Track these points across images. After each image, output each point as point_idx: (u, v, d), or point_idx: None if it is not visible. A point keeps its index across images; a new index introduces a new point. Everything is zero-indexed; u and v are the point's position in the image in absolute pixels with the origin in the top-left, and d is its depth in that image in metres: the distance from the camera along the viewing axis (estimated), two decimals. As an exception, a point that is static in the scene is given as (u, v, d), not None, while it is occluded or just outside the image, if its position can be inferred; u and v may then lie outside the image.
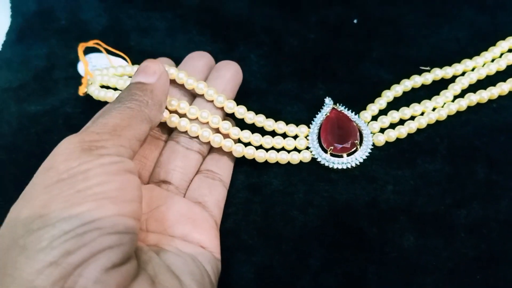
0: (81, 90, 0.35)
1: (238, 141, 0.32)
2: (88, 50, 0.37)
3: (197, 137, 0.31)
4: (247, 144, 0.31)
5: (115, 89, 0.33)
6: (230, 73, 0.32)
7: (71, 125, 0.35)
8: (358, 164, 0.32)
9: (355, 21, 0.39)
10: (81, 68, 0.37)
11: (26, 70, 0.38)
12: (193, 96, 0.32)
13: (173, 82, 0.31)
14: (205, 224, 0.28)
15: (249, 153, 0.31)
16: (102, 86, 0.33)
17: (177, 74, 0.31)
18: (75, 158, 0.21)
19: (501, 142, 0.32)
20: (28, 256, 0.18)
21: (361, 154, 0.32)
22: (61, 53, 0.39)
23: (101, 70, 0.34)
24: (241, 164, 0.32)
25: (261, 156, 0.31)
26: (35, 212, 0.20)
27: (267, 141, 0.32)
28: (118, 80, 0.32)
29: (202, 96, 0.31)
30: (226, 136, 0.31)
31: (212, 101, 0.31)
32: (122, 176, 0.22)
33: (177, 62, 0.34)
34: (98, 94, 0.33)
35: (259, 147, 0.32)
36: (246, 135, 0.31)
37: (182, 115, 0.31)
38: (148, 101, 0.26)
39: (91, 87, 0.33)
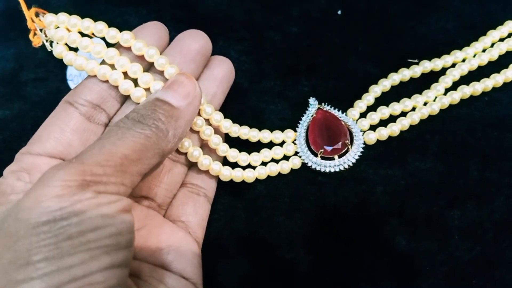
0: (35, 41, 0.28)
1: (225, 159, 0.30)
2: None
3: (185, 154, 0.28)
4: (234, 164, 0.30)
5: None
6: (223, 72, 0.29)
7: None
8: (351, 165, 0.30)
9: (339, 12, 0.38)
10: (71, 82, 0.35)
11: (-8, 73, 0.36)
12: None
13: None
14: (189, 252, 0.26)
15: (237, 176, 0.29)
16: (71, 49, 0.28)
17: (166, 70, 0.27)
18: (69, 194, 0.18)
19: (494, 137, 0.31)
20: None
21: (353, 154, 0.30)
22: (29, 53, 0.37)
23: (56, 17, 0.28)
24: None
25: (249, 176, 0.29)
26: (20, 259, 0.17)
27: (255, 158, 0.30)
28: (95, 47, 0.27)
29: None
30: (213, 150, 0.29)
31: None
32: (118, 218, 0.19)
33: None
34: (71, 60, 0.27)
35: (248, 165, 0.30)
36: (233, 154, 0.29)
37: None
38: (169, 132, 0.23)
39: (58, 48, 0.27)
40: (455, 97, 0.32)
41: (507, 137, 0.31)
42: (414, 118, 0.31)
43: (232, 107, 0.31)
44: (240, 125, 0.30)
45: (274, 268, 0.28)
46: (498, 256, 0.28)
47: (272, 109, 0.33)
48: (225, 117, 0.29)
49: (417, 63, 0.33)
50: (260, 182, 0.30)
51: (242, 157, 0.30)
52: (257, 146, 0.31)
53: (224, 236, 0.29)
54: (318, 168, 0.30)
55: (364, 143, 0.31)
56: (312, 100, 0.31)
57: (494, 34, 0.34)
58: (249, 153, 0.30)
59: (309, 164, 0.30)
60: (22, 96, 0.35)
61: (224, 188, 0.30)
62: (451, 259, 0.27)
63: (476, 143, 0.31)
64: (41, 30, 0.28)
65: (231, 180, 0.29)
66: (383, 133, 0.31)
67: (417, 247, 0.28)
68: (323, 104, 0.31)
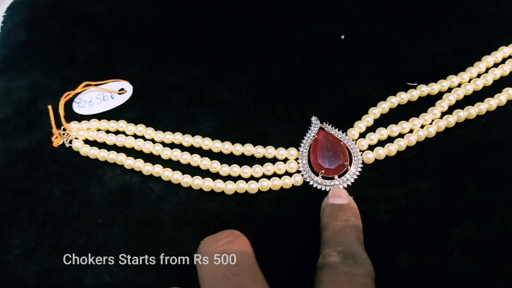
0: (56, 142, 0.37)
1: (228, 177, 0.34)
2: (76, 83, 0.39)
3: (189, 187, 0.33)
4: (237, 178, 0.34)
5: (103, 143, 0.36)
6: None
7: (57, 160, 0.36)
8: (350, 184, 0.33)
9: (342, 37, 0.41)
10: (76, 105, 0.39)
11: (9, 103, 0.39)
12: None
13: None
14: None
15: (241, 187, 0.33)
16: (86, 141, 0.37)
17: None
18: None
19: (491, 157, 0.34)
20: None
21: (352, 174, 0.33)
22: (43, 83, 0.40)
23: (79, 124, 0.37)
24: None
25: (252, 187, 0.33)
26: None
27: (257, 170, 0.34)
28: (108, 136, 0.36)
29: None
30: (215, 175, 0.34)
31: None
32: None
33: (168, 86, 0.38)
34: (86, 151, 0.35)
35: (250, 177, 0.34)
36: (235, 169, 0.34)
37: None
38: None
39: (75, 143, 0.36)
40: (451, 120, 0.35)
41: (503, 158, 0.34)
42: (410, 140, 0.34)
43: (239, 129, 0.36)
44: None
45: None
46: (496, 271, 0.30)
47: (277, 131, 0.36)
48: (232, 140, 0.35)
49: (415, 87, 0.37)
50: (267, 204, 0.33)
51: (244, 170, 0.34)
52: (261, 163, 0.34)
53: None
54: (319, 187, 0.33)
55: (363, 163, 0.34)
56: (314, 119, 0.35)
57: (488, 60, 0.37)
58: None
59: (311, 183, 0.33)
60: (39, 127, 0.37)
61: (233, 211, 0.33)
62: (450, 275, 0.30)
63: (474, 163, 0.34)
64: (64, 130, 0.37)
65: (238, 192, 0.34)
66: (381, 152, 0.34)
67: (418, 264, 0.30)
68: (324, 123, 0.35)
